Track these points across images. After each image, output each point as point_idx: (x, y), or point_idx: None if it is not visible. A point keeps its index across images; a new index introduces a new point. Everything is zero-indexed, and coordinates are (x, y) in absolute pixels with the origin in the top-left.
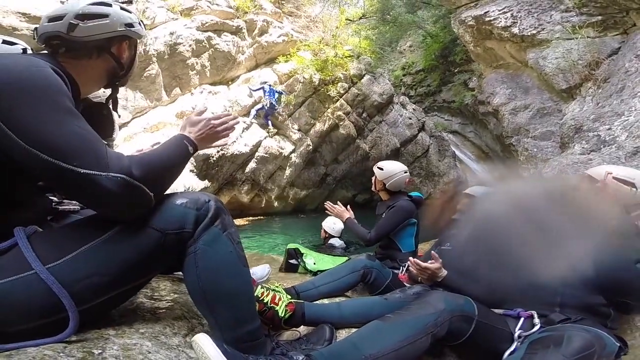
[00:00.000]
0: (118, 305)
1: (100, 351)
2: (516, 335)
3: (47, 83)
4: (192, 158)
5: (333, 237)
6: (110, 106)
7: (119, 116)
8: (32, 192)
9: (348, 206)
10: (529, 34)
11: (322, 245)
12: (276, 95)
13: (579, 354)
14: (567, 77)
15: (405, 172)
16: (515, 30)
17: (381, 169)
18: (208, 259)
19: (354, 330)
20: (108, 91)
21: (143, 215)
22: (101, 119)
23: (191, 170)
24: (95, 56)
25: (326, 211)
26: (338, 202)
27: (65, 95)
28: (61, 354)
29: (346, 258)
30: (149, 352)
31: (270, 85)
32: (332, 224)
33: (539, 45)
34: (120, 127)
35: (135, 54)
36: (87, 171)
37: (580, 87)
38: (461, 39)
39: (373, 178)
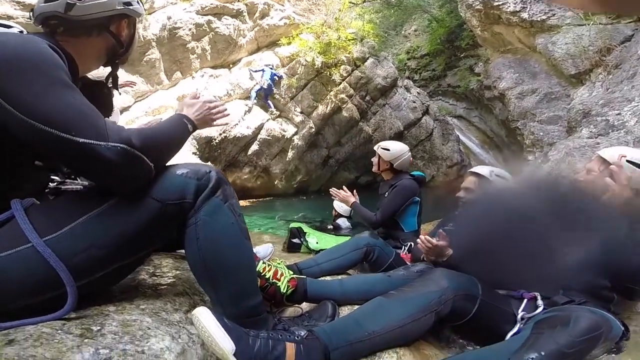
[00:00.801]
0: (118, 282)
1: (99, 327)
2: (519, 316)
3: (43, 58)
4: (194, 141)
5: (342, 216)
6: (111, 85)
7: (120, 94)
8: (32, 168)
9: (354, 191)
10: (538, 19)
11: (330, 225)
12: (275, 78)
13: (586, 335)
14: (576, 62)
15: (409, 152)
16: (524, 15)
17: (387, 149)
18: (209, 230)
19: (356, 307)
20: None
21: (143, 186)
22: (101, 97)
23: (194, 153)
24: (95, 34)
25: (332, 196)
26: (343, 186)
27: (62, 69)
28: (59, 331)
29: (349, 238)
30: (149, 329)
31: (271, 67)
32: (341, 204)
33: (548, 31)
34: (121, 112)
35: (134, 32)
36: (85, 140)
37: (590, 72)
38: (468, 24)
39: (375, 159)
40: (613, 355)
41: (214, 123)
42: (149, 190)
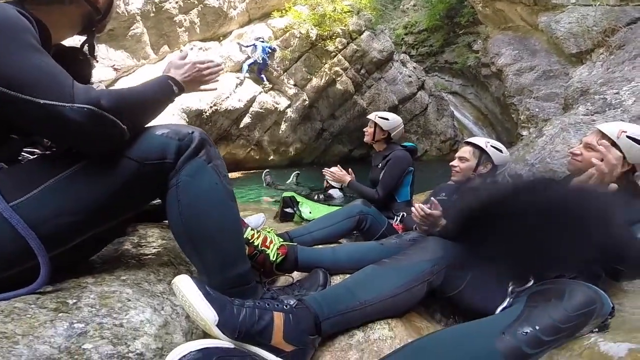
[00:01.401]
0: (94, 253)
1: (75, 300)
2: (509, 290)
3: (9, 22)
4: (184, 114)
5: (334, 187)
6: (88, 53)
7: (97, 61)
8: (3, 134)
9: (349, 169)
10: None
11: (322, 195)
12: (268, 50)
13: (581, 310)
14: (578, 41)
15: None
16: None
17: (386, 119)
18: (191, 192)
19: (348, 276)
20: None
21: (117, 148)
22: (77, 65)
23: None
24: (68, 2)
25: (326, 178)
26: (338, 165)
27: (30, 33)
28: (32, 306)
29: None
30: (129, 300)
31: (262, 41)
32: None
33: (553, 10)
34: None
35: None
36: (47, 102)
37: (592, 52)
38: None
39: (370, 129)
40: (596, 330)
41: (203, 87)
42: (125, 150)
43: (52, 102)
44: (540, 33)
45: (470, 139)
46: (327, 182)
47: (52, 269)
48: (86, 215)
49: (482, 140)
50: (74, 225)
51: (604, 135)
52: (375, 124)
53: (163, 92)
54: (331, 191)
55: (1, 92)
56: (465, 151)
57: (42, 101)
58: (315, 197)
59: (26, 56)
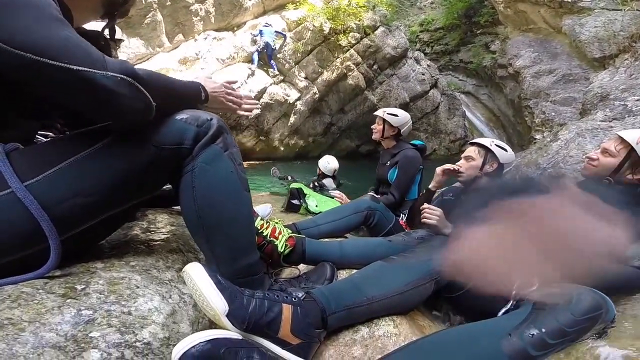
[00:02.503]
0: (104, 237)
1: (83, 286)
2: (513, 292)
3: None
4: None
5: (327, 176)
6: (109, 37)
7: (118, 47)
8: (20, 115)
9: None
10: (569, 0)
11: (316, 183)
12: (275, 37)
13: (588, 314)
14: (603, 46)
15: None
16: None
17: (395, 115)
18: (206, 178)
19: (354, 271)
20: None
21: (141, 125)
22: (97, 48)
23: None
24: None
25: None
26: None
27: (54, 8)
28: (40, 291)
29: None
30: (137, 287)
31: (266, 25)
32: (325, 163)
33: (578, 13)
34: None
35: None
36: (80, 68)
37: (616, 57)
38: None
39: (379, 125)
40: (595, 336)
41: (224, 106)
42: (143, 133)
43: (85, 69)
44: (563, 36)
45: (476, 139)
46: (320, 169)
47: (61, 253)
48: (100, 197)
49: (487, 140)
50: (87, 207)
51: (623, 141)
52: (384, 121)
53: (191, 91)
54: (324, 180)
55: (32, 61)
56: (470, 151)
57: (75, 67)
58: (311, 185)
59: (54, 26)
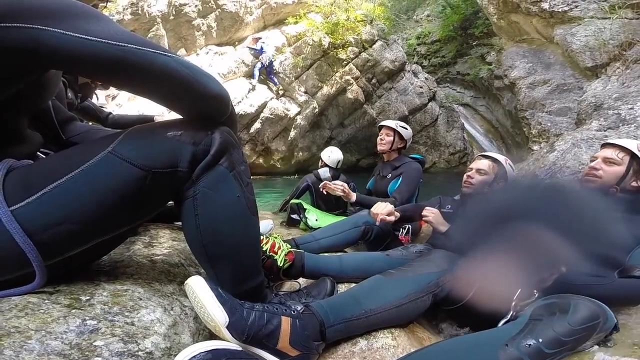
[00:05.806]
0: (102, 256)
1: (88, 297)
2: (513, 303)
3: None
4: None
5: (330, 167)
6: None
7: None
8: (27, 127)
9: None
10: (560, 10)
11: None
12: (272, 53)
13: (585, 324)
14: (594, 55)
15: None
16: (545, 5)
17: (406, 128)
18: (210, 205)
19: (353, 285)
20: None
21: (210, 113)
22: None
23: None
24: None
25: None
26: (344, 185)
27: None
28: (46, 301)
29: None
30: (140, 299)
31: (264, 43)
32: (328, 153)
33: (569, 22)
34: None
35: None
36: (156, 52)
37: (607, 66)
38: (484, 11)
39: (389, 137)
40: (598, 345)
41: None
42: (129, 155)
43: (161, 52)
44: (555, 46)
45: (489, 154)
46: (322, 161)
47: (47, 276)
48: (90, 224)
49: (502, 157)
50: (75, 234)
51: (622, 149)
52: (395, 132)
53: None
54: (320, 170)
55: (122, 49)
56: (484, 164)
57: (150, 50)
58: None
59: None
